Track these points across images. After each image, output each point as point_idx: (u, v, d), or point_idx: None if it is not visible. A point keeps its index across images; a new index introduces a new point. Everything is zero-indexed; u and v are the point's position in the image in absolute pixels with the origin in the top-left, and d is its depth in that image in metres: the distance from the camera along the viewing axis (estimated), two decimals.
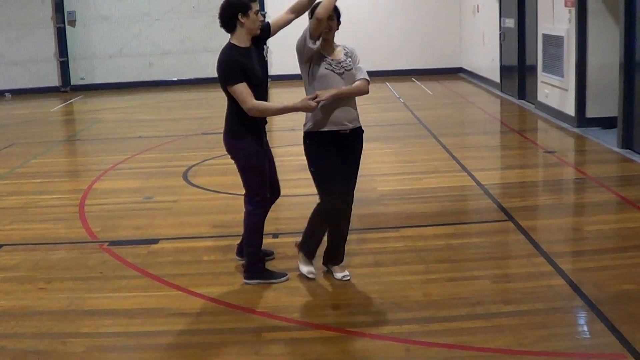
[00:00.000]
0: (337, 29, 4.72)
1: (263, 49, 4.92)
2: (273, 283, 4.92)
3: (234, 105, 4.72)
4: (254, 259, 4.96)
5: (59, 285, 5.11)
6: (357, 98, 4.79)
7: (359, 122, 4.82)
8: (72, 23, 17.45)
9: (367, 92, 4.73)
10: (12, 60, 17.09)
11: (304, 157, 4.80)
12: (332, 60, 4.65)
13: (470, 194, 7.15)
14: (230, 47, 4.70)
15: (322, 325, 4.31)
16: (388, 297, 4.64)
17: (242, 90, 4.58)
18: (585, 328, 4.25)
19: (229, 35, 4.75)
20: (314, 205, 4.91)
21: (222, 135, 4.91)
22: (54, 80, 17.42)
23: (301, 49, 4.60)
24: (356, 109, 4.79)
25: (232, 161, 4.94)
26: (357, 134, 4.81)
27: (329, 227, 4.96)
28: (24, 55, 17.14)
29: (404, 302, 4.56)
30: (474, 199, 7.02)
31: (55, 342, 4.20)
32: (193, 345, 4.17)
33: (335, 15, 4.63)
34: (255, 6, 4.70)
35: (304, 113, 4.66)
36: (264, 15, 5.02)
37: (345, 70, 4.65)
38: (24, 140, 11.19)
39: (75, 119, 14.45)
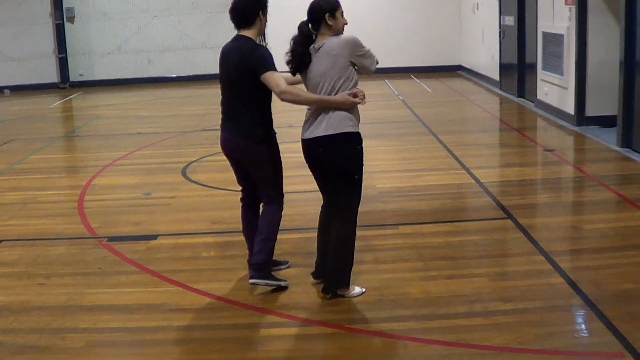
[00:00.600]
0: None
1: None
2: (280, 287, 4.75)
3: (252, 105, 4.60)
4: (269, 257, 4.79)
5: (58, 280, 5.11)
6: None
7: None
8: (71, 19, 17.43)
9: None
10: (10, 57, 17.07)
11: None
12: None
13: (469, 191, 7.15)
14: (249, 39, 4.64)
15: (321, 322, 4.32)
16: (386, 294, 4.64)
17: (277, 75, 4.49)
18: (583, 326, 4.25)
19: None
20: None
21: (223, 136, 4.75)
22: (52, 76, 17.40)
23: (361, 53, 4.55)
24: None
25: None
26: None
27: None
28: (23, 51, 17.13)
29: (403, 299, 4.56)
30: (473, 196, 7.01)
31: (54, 337, 4.21)
32: (192, 340, 4.18)
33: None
34: None
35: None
36: None
37: None
38: (23, 137, 11.17)
39: (74, 115, 14.44)
